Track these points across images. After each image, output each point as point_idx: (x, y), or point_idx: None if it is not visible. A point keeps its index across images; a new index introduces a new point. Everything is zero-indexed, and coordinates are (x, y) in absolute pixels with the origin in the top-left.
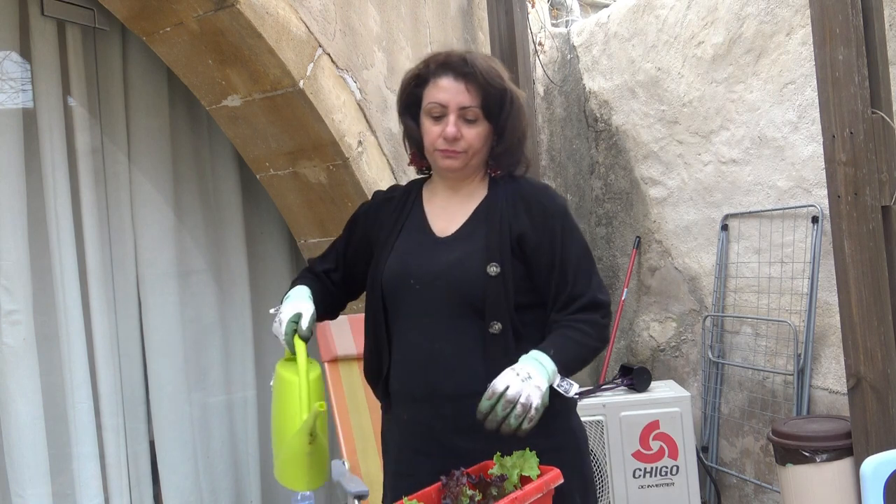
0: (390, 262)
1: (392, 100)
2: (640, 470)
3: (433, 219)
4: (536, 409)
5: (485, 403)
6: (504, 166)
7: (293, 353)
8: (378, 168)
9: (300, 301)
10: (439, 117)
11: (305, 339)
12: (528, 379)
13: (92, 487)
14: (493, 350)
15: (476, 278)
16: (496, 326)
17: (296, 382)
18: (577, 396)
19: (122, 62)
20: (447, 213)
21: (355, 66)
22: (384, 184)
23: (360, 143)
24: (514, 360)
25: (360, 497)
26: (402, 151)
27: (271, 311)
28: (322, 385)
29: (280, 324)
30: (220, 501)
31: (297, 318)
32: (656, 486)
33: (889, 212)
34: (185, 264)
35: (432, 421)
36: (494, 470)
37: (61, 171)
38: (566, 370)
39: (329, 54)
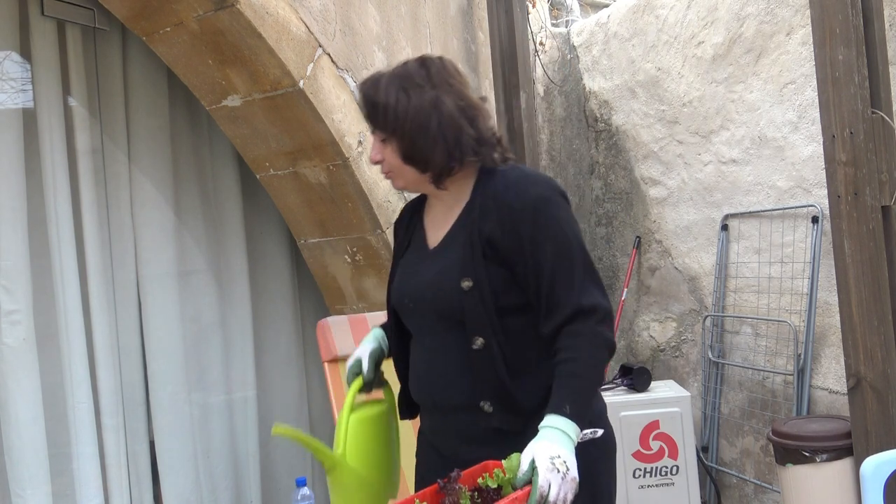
0: (395, 282)
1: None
2: (640, 470)
3: (429, 230)
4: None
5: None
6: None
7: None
8: (378, 168)
9: (363, 344)
10: None
11: (371, 381)
12: (566, 473)
13: (92, 487)
14: (477, 366)
15: (451, 294)
16: (478, 342)
17: (343, 417)
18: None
19: (122, 62)
20: (437, 222)
21: (355, 66)
22: (384, 184)
23: (360, 143)
24: (500, 375)
25: None
26: None
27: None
28: (377, 426)
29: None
30: (220, 501)
31: (357, 369)
32: (656, 486)
33: (889, 212)
34: (185, 264)
35: (438, 431)
36: (489, 483)
37: (61, 171)
38: (583, 417)
39: (329, 54)
